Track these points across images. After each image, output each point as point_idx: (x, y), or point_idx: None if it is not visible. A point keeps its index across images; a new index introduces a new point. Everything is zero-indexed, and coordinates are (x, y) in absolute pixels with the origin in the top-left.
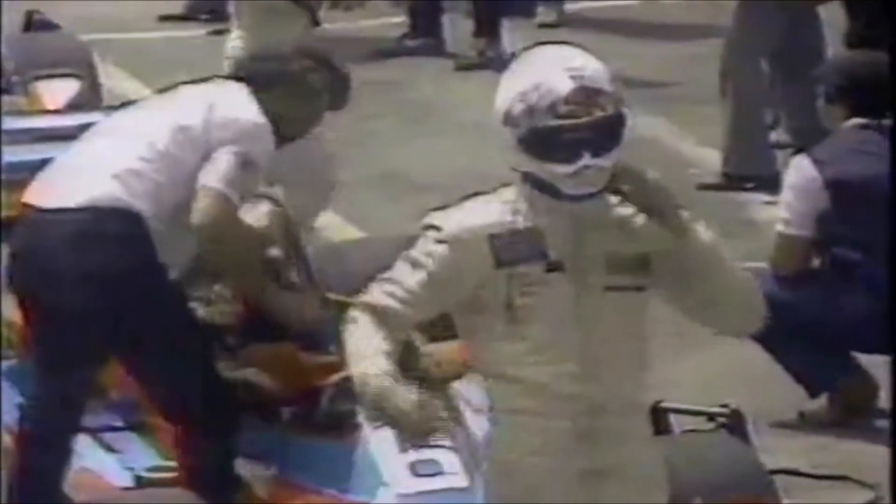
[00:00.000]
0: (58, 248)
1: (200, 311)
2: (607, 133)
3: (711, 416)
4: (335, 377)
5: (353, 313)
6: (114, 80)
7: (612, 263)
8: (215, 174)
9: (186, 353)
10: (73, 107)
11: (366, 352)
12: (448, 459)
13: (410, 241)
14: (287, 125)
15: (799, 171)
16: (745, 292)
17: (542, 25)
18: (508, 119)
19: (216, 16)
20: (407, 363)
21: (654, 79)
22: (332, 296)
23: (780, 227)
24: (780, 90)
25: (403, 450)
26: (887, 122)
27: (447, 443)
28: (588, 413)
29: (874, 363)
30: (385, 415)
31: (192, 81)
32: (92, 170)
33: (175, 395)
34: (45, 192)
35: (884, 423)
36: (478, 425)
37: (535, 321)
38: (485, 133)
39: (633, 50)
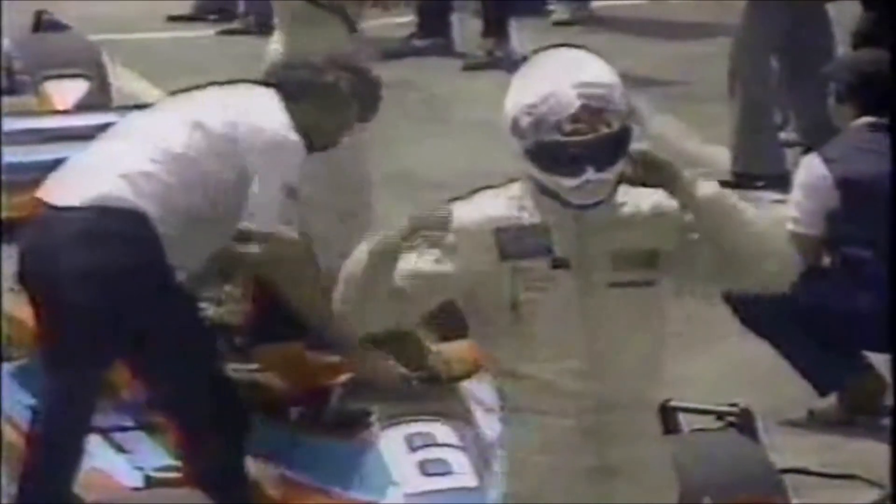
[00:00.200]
0: (63, 245)
1: (210, 311)
2: (612, 149)
3: (720, 415)
4: (343, 377)
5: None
6: (122, 80)
7: (617, 260)
8: (264, 215)
9: (192, 354)
10: (83, 107)
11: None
12: (457, 459)
13: None
14: (318, 136)
15: (809, 169)
16: (770, 237)
17: (557, 23)
18: (516, 128)
19: (225, 16)
20: (417, 362)
21: (662, 77)
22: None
23: (789, 226)
24: (790, 89)
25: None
26: None
27: (457, 442)
28: (595, 410)
29: (881, 361)
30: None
31: (220, 83)
32: (103, 169)
33: (180, 395)
34: (57, 190)
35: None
36: (488, 425)
37: (540, 318)
38: (493, 133)
39: (642, 48)
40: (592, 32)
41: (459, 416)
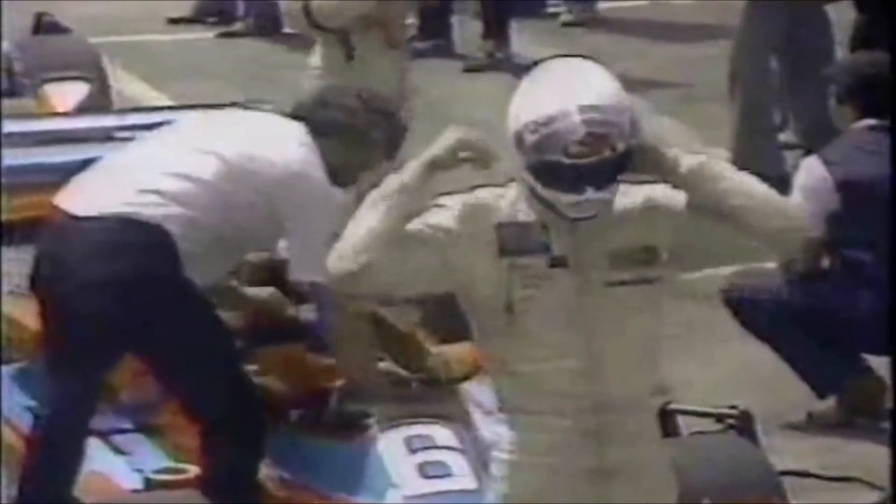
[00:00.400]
0: (82, 254)
1: None
2: (613, 169)
3: (720, 418)
4: (342, 379)
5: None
6: (122, 83)
7: (615, 258)
8: (315, 266)
9: (212, 357)
10: (83, 109)
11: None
12: (456, 461)
13: None
14: (342, 173)
15: (810, 172)
16: (770, 195)
17: (566, 24)
18: (519, 143)
19: (224, 18)
20: (416, 364)
21: (663, 79)
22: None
23: None
24: (790, 91)
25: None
26: None
27: (456, 444)
28: (593, 411)
29: (881, 364)
30: None
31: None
32: (124, 181)
33: (202, 399)
34: (76, 199)
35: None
36: (487, 427)
37: (537, 316)
38: (493, 134)
39: (643, 50)
40: (594, 33)
41: (458, 418)
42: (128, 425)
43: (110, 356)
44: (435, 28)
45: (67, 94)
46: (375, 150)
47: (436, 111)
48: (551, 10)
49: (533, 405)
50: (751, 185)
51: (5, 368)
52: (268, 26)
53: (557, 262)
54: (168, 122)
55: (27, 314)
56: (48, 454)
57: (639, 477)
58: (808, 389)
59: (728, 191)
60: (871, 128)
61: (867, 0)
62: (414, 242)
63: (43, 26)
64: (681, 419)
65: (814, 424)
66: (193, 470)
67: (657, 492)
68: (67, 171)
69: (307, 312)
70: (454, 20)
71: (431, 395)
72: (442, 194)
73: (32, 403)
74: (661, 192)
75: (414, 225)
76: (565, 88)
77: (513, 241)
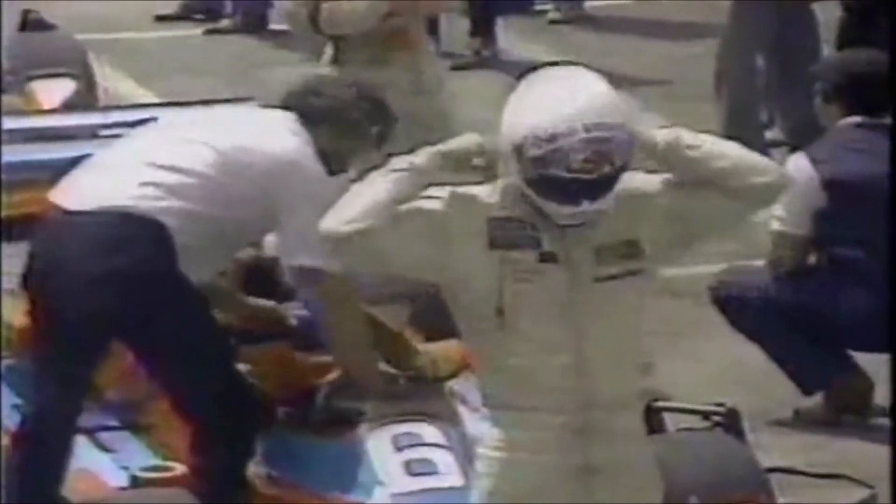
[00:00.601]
0: (74, 250)
1: None
2: (610, 182)
3: (707, 415)
4: (330, 376)
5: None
6: (109, 80)
7: (600, 253)
8: (308, 250)
9: (208, 355)
10: (69, 107)
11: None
12: (443, 459)
13: None
14: (334, 161)
15: (796, 169)
16: (746, 154)
17: (553, 22)
18: (519, 155)
19: (212, 15)
20: (403, 361)
21: (651, 77)
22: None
23: (776, 225)
24: (776, 89)
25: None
26: (883, 120)
27: (443, 442)
28: (581, 408)
29: (874, 361)
30: None
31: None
32: (118, 175)
33: (196, 396)
34: (70, 194)
35: (880, 421)
36: (474, 424)
37: (527, 312)
38: (481, 131)
39: (630, 47)
40: (581, 31)
41: (445, 415)
42: (114, 423)
43: (101, 352)
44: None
45: (54, 91)
46: (366, 138)
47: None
48: (538, 7)
49: (521, 401)
50: (728, 147)
51: None
52: (255, 23)
53: (547, 258)
54: (155, 119)
55: (14, 312)
56: (36, 452)
57: (625, 474)
58: (795, 387)
59: (709, 154)
60: (858, 125)
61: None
62: (408, 222)
63: (29, 23)
64: (667, 416)
65: (801, 421)
66: (180, 467)
67: (643, 489)
68: (54, 169)
69: (294, 310)
70: (441, 18)
71: (418, 393)
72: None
73: (19, 401)
74: (640, 180)
75: (407, 207)
76: (569, 104)
77: (503, 235)
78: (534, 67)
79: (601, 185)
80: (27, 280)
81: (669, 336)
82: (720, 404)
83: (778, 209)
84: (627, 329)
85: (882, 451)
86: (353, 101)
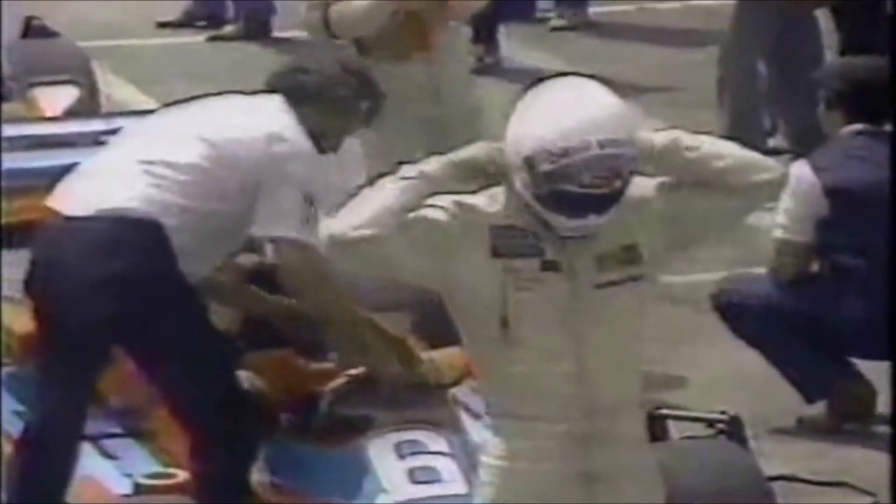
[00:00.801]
0: (75, 255)
1: None
2: (618, 196)
3: (710, 423)
4: (334, 383)
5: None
6: (112, 86)
7: (601, 260)
8: (286, 223)
9: (207, 360)
10: (72, 113)
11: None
12: (447, 466)
13: None
14: (325, 140)
15: (799, 177)
16: (745, 153)
17: (556, 29)
18: (528, 168)
19: (214, 22)
20: (406, 368)
21: (651, 83)
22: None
23: (778, 233)
24: (779, 96)
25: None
26: (886, 127)
27: (446, 449)
28: (583, 415)
29: (876, 369)
30: None
31: (223, 93)
32: (114, 177)
33: (193, 399)
34: (68, 198)
35: (882, 429)
36: (476, 432)
37: (530, 320)
38: (484, 139)
39: (631, 54)
40: (583, 38)
41: (448, 423)
42: (117, 430)
43: (104, 357)
44: None
45: (56, 98)
46: (355, 115)
47: None
48: (541, 14)
49: (523, 410)
50: (726, 147)
51: None
52: (258, 30)
53: (550, 266)
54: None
55: (16, 319)
56: (39, 459)
57: (627, 481)
58: (798, 394)
59: (708, 154)
60: (860, 133)
61: (843, 18)
62: (413, 231)
63: (32, 30)
64: (671, 423)
65: (803, 429)
66: (183, 474)
67: (646, 496)
68: (56, 176)
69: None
70: None
71: (421, 401)
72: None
73: (22, 408)
74: (636, 185)
75: (413, 216)
76: (580, 118)
77: (506, 244)
78: (540, 78)
79: (610, 200)
80: (29, 286)
81: (671, 343)
82: (723, 412)
83: (781, 217)
84: (628, 335)
85: (885, 459)
86: (339, 78)
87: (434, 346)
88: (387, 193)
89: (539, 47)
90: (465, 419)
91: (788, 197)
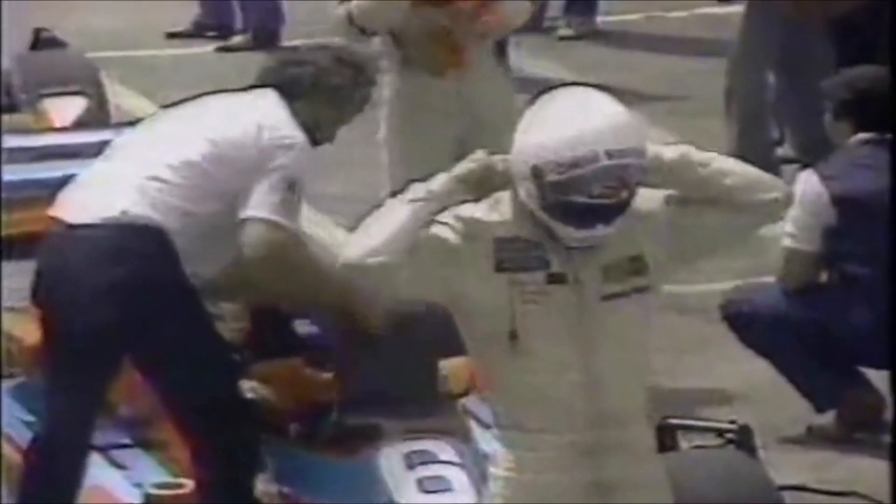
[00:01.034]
0: (80, 263)
1: None
2: (626, 207)
3: (719, 432)
4: (342, 393)
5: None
6: (121, 97)
7: (607, 271)
8: (261, 202)
9: (210, 367)
10: (81, 125)
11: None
12: (456, 476)
13: None
14: (320, 131)
15: (806, 186)
16: (751, 170)
17: (563, 38)
18: (536, 178)
19: (223, 32)
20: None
21: (658, 92)
22: None
23: (787, 242)
24: (786, 106)
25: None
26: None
27: (455, 459)
28: (591, 426)
29: (884, 378)
30: None
31: (218, 92)
32: (116, 184)
33: (196, 408)
34: (71, 207)
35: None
36: (486, 442)
37: (537, 333)
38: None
39: (639, 63)
40: (592, 47)
41: (458, 433)
42: (126, 440)
43: (112, 366)
44: None
45: (65, 109)
46: (350, 104)
47: None
48: (549, 24)
49: (531, 422)
50: (735, 164)
51: (4, 383)
52: (267, 40)
53: (555, 279)
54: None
55: (24, 329)
56: (49, 469)
57: (637, 491)
58: (807, 404)
59: (718, 172)
60: (867, 142)
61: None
62: (423, 250)
63: (41, 41)
64: (680, 433)
65: (813, 439)
66: (192, 484)
67: None
68: (65, 187)
69: (304, 326)
70: None
71: (431, 411)
72: None
73: (31, 418)
74: (642, 196)
75: (423, 235)
76: (589, 128)
77: (511, 257)
78: (548, 88)
79: (618, 210)
80: (34, 295)
81: (681, 353)
82: (732, 421)
83: (789, 226)
84: (635, 345)
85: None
86: (333, 68)
87: (443, 356)
88: (399, 216)
89: (547, 56)
90: (475, 429)
91: (796, 206)
